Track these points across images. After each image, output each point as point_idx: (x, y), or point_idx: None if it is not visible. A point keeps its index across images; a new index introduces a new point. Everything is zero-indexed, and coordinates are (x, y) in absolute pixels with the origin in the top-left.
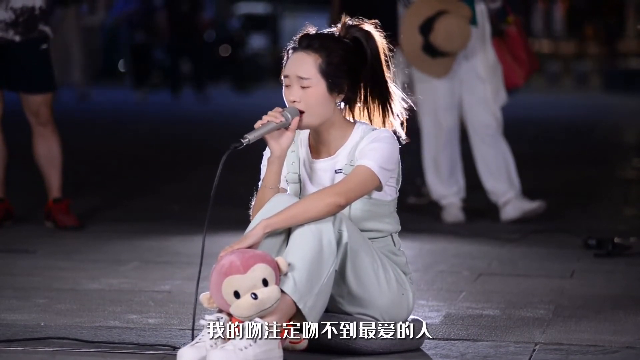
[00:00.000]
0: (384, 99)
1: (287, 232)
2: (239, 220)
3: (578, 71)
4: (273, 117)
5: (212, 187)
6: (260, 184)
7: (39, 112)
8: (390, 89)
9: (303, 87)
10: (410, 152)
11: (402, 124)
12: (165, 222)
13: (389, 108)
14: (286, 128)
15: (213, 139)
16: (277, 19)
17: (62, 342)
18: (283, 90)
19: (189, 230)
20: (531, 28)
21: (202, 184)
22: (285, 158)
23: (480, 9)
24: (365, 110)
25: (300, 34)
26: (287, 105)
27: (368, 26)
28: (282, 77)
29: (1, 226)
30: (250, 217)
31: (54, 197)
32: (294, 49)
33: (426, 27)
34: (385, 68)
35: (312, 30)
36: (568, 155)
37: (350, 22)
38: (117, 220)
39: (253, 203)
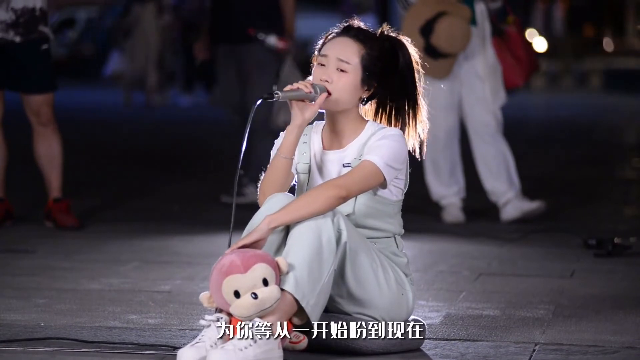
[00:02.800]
0: (410, 112)
1: (286, 230)
2: (239, 220)
3: (578, 71)
4: (304, 85)
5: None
6: (272, 159)
7: (40, 112)
8: (419, 104)
9: (340, 70)
10: None
11: (421, 143)
12: (165, 222)
13: (412, 122)
14: (311, 101)
15: (213, 139)
16: None
17: (62, 342)
18: (314, 69)
19: (189, 230)
20: (531, 28)
21: (202, 184)
22: (302, 131)
23: (480, 9)
24: (390, 119)
25: (346, 23)
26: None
27: (404, 39)
28: (317, 56)
29: (1, 226)
30: (258, 190)
31: (54, 197)
32: (338, 34)
33: (427, 29)
34: (417, 80)
35: (356, 22)
36: (568, 155)
37: (387, 31)
38: (117, 220)
39: (263, 176)
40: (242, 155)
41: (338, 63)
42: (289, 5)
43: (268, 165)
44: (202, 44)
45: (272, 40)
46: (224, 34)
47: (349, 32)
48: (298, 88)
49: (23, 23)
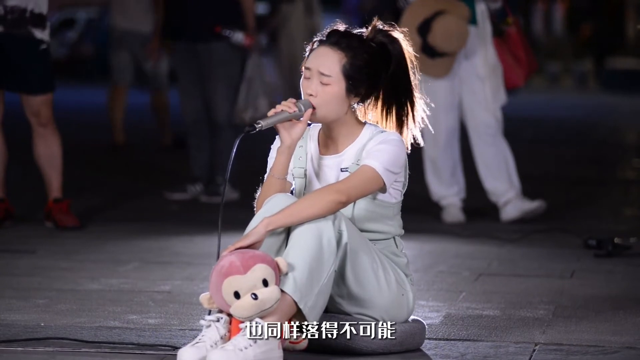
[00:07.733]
0: (404, 106)
1: (287, 232)
2: (239, 222)
3: (578, 71)
4: (287, 106)
5: (226, 170)
6: (266, 175)
7: (39, 113)
8: (414, 96)
9: (322, 84)
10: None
11: (414, 137)
12: (165, 222)
13: (408, 114)
14: (298, 119)
15: None
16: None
17: (62, 342)
18: (301, 81)
19: (189, 230)
20: (531, 28)
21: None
22: (294, 149)
23: (481, 9)
24: (383, 115)
25: (330, 29)
26: (303, 97)
27: (396, 33)
28: (303, 68)
29: (1, 226)
30: (255, 208)
31: (54, 197)
32: (321, 42)
33: (424, 28)
34: (410, 75)
35: (341, 27)
36: (568, 155)
37: (379, 26)
38: (117, 220)
39: (258, 193)
40: (225, 185)
41: (320, 76)
42: (248, 2)
43: (262, 184)
44: (154, 46)
45: (239, 37)
46: (181, 32)
47: (329, 40)
48: (282, 110)
49: (10, 20)
